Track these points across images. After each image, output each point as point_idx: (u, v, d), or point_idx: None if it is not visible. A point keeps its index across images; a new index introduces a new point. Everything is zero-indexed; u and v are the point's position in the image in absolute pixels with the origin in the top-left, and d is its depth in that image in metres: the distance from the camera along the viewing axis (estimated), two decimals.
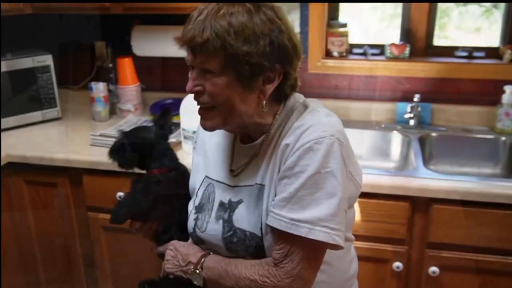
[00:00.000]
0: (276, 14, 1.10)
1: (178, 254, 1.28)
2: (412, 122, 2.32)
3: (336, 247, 1.10)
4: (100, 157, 2.06)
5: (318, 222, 1.06)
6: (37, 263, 2.34)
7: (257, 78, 1.10)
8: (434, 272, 1.86)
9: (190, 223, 1.30)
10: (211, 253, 1.26)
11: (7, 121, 2.39)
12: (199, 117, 1.19)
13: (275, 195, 1.14)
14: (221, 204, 1.24)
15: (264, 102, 1.15)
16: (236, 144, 1.28)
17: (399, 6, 2.42)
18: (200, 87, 1.12)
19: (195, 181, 1.35)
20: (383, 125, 2.35)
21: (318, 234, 1.06)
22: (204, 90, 1.12)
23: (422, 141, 2.20)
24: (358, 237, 1.86)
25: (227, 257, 1.22)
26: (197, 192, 1.33)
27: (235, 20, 1.06)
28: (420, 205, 1.83)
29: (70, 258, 2.30)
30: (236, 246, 1.19)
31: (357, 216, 1.86)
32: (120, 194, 2.07)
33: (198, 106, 1.17)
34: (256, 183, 1.19)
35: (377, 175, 1.87)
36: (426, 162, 2.06)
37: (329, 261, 1.18)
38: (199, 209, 1.29)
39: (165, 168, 1.39)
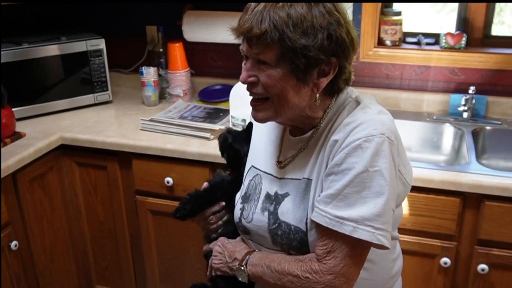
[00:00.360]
0: (335, 7, 1.08)
1: (225, 250, 1.30)
2: (465, 115, 2.25)
3: (381, 246, 1.08)
4: (149, 142, 2.10)
5: (363, 221, 1.05)
6: (86, 242, 2.41)
7: (312, 71, 1.09)
8: (483, 270, 1.81)
9: (236, 212, 1.31)
10: (256, 250, 1.27)
11: (59, 104, 2.45)
12: (249, 104, 1.18)
13: (322, 191, 1.13)
14: (267, 196, 1.24)
15: (318, 96, 1.13)
16: (285, 136, 1.27)
17: None
18: (254, 78, 1.12)
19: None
20: (434, 117, 2.29)
21: (362, 233, 1.05)
22: (258, 81, 1.11)
23: (475, 135, 2.13)
24: (406, 231, 1.85)
25: (273, 252, 1.23)
26: (243, 181, 1.33)
27: (294, 11, 1.04)
28: (471, 201, 1.78)
29: (118, 239, 2.35)
30: (281, 239, 1.19)
31: (406, 210, 1.82)
32: (168, 179, 2.10)
33: (251, 97, 1.16)
34: (304, 177, 1.19)
35: (427, 169, 1.83)
36: (479, 156, 2.00)
37: (372, 259, 1.17)
38: (245, 199, 1.30)
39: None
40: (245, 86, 1.15)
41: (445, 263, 1.85)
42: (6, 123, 2.13)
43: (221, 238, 1.34)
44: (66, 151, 2.25)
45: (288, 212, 1.19)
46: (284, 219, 1.19)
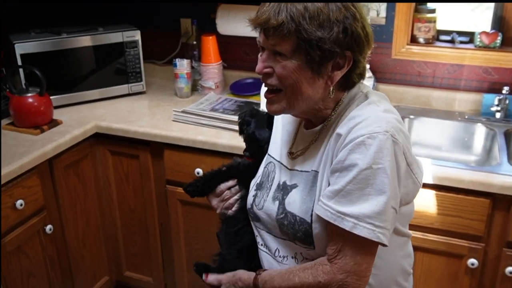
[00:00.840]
0: (350, 3, 1.10)
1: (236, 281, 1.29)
2: (498, 115, 2.22)
3: (380, 244, 1.09)
4: (181, 133, 2.14)
5: (363, 218, 1.06)
6: (117, 229, 2.47)
7: (326, 64, 1.10)
8: (511, 272, 1.80)
9: (249, 199, 1.34)
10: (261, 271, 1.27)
11: (95, 93, 2.52)
12: None
13: (328, 184, 1.14)
14: (278, 186, 1.27)
15: (331, 89, 1.15)
16: (300, 129, 1.30)
17: None
18: (270, 69, 1.14)
19: None
20: (466, 116, 2.27)
21: (362, 230, 1.06)
22: (273, 72, 1.13)
23: (507, 136, 2.10)
24: (433, 230, 1.85)
25: (281, 241, 1.25)
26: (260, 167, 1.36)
27: (311, 4, 1.06)
28: (501, 202, 1.77)
29: (148, 227, 2.40)
30: (287, 229, 1.21)
31: (434, 209, 1.82)
32: (198, 170, 2.13)
33: (265, 89, 1.19)
34: (312, 170, 1.21)
35: (457, 169, 1.82)
36: (510, 158, 1.97)
37: (379, 254, 1.17)
38: (259, 186, 1.32)
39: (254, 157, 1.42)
40: None
41: (472, 264, 1.84)
42: (44, 110, 2.21)
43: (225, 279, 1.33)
44: (100, 140, 2.31)
45: (295, 203, 1.21)
46: (290, 210, 1.21)
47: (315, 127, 1.23)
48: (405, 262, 1.32)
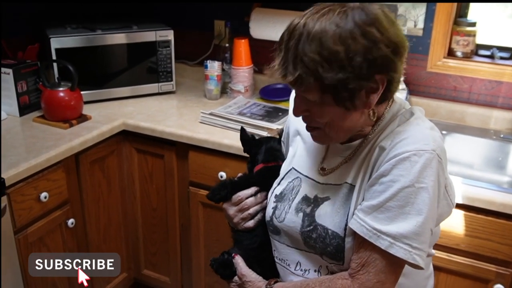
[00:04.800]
0: (368, 19, 1.01)
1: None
2: None
3: (415, 266, 1.05)
4: (207, 135, 2.12)
5: (401, 238, 1.02)
6: (138, 227, 2.48)
7: (358, 95, 1.05)
8: None
9: (268, 210, 1.29)
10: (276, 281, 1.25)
11: (125, 90, 2.53)
12: None
13: (364, 199, 1.10)
14: (305, 198, 1.22)
15: (371, 112, 1.11)
16: (331, 144, 1.24)
17: None
18: (306, 113, 1.12)
19: (281, 170, 1.34)
20: (502, 135, 2.19)
21: (399, 251, 1.03)
22: (310, 114, 1.11)
23: None
24: (459, 252, 1.79)
25: (303, 253, 1.22)
26: (280, 181, 1.31)
27: (325, 46, 0.99)
28: None
29: (168, 227, 2.40)
30: (315, 242, 1.17)
31: (462, 230, 1.76)
32: (222, 173, 2.12)
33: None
34: (346, 182, 1.17)
35: (489, 190, 1.75)
36: None
37: (406, 273, 1.12)
38: (279, 198, 1.27)
39: (273, 162, 1.40)
40: None
41: None
42: (74, 105, 2.23)
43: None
44: (127, 137, 2.31)
45: (326, 215, 1.17)
46: (321, 222, 1.17)
47: (351, 141, 1.19)
48: (429, 282, 1.29)
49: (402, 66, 1.10)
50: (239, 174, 1.43)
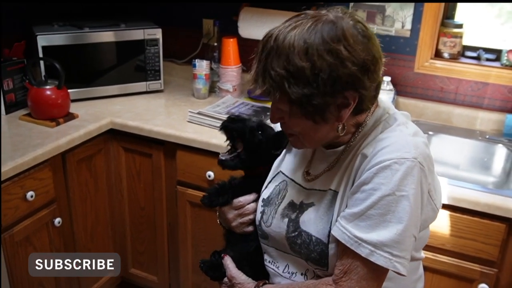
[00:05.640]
0: (335, 34, 1.01)
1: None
2: None
3: (397, 273, 1.06)
4: (195, 134, 2.12)
5: (381, 246, 1.03)
6: (126, 226, 2.47)
7: (327, 111, 1.06)
8: None
9: (257, 215, 1.30)
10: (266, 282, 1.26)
11: (112, 89, 2.52)
12: None
13: (347, 206, 1.11)
14: (291, 204, 1.23)
15: (340, 127, 1.11)
16: (317, 148, 1.25)
17: None
18: (281, 120, 1.14)
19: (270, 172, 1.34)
20: (487, 136, 2.21)
21: (379, 258, 1.03)
22: (284, 122, 1.14)
23: None
24: (445, 252, 1.81)
25: (291, 256, 1.23)
26: (268, 184, 1.32)
27: (292, 62, 1.00)
28: None
29: (156, 226, 2.39)
30: (300, 248, 1.18)
31: (447, 231, 1.78)
32: (210, 173, 2.11)
33: None
34: (330, 189, 1.17)
35: (474, 191, 1.77)
36: None
37: (392, 278, 1.13)
38: (266, 202, 1.28)
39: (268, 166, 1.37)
40: None
41: None
42: (61, 103, 2.21)
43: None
44: (115, 136, 2.30)
45: (310, 221, 1.17)
46: (305, 228, 1.18)
47: (336, 147, 1.19)
48: (418, 285, 1.29)
49: (378, 78, 1.09)
50: (233, 176, 1.40)
